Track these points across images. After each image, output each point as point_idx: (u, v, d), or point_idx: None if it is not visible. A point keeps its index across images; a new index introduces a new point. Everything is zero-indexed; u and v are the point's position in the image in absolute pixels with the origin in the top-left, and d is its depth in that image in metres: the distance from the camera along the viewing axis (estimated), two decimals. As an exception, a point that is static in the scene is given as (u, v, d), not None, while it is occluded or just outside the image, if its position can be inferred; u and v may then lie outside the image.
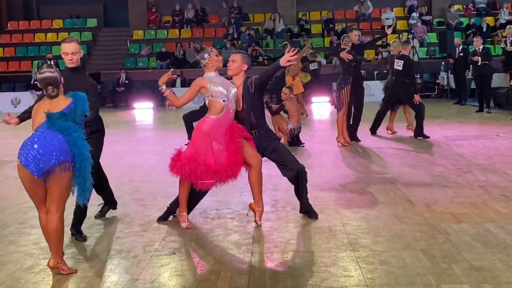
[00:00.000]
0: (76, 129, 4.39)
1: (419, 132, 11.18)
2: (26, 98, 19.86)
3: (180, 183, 5.73)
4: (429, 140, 10.94)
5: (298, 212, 6.01)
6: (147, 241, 5.32)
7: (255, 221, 5.70)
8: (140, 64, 24.19)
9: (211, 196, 6.33)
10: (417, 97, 11.07)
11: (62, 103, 4.44)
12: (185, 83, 21.55)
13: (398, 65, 11.19)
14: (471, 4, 25.30)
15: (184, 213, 5.75)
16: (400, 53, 11.43)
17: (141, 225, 5.84)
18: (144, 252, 5.02)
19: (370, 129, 11.86)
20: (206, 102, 5.69)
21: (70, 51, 5.29)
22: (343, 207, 6.25)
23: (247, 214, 5.83)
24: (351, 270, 4.41)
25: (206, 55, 5.61)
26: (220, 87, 5.58)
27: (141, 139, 13.15)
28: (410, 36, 23.48)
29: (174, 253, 4.98)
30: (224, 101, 5.56)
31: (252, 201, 5.81)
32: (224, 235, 5.46)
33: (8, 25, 26.33)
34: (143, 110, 20.48)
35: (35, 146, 4.26)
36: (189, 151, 5.62)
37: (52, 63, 19.37)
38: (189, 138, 7.76)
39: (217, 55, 5.69)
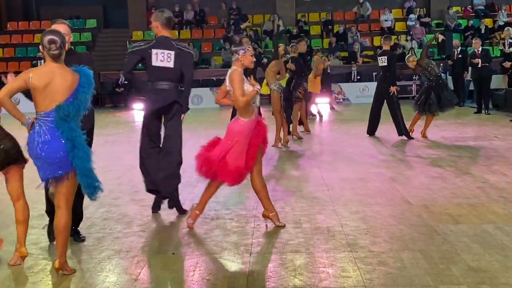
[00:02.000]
0: (77, 133, 4.37)
1: (402, 131, 11.36)
2: (25, 98, 19.76)
3: (209, 183, 5.67)
4: (427, 141, 10.97)
5: (296, 213, 6.02)
6: (146, 241, 5.34)
7: (277, 226, 5.62)
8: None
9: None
10: (393, 88, 11.32)
11: (69, 76, 4.36)
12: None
13: (382, 61, 11.48)
14: (470, 6, 25.37)
15: (198, 212, 5.72)
16: (382, 49, 11.77)
17: (140, 226, 5.86)
18: (143, 253, 5.04)
19: (367, 131, 11.91)
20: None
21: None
22: (342, 207, 6.27)
23: (266, 225, 5.73)
24: (349, 271, 4.42)
25: (241, 52, 5.49)
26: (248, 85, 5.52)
27: (140, 140, 13.11)
28: (409, 37, 23.55)
29: (173, 254, 5.00)
30: (254, 103, 5.50)
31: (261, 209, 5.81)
32: (223, 235, 5.48)
33: (8, 25, 26.34)
34: (142, 111, 20.45)
35: (43, 154, 4.27)
36: (218, 152, 5.46)
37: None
38: None
39: (252, 55, 5.55)
